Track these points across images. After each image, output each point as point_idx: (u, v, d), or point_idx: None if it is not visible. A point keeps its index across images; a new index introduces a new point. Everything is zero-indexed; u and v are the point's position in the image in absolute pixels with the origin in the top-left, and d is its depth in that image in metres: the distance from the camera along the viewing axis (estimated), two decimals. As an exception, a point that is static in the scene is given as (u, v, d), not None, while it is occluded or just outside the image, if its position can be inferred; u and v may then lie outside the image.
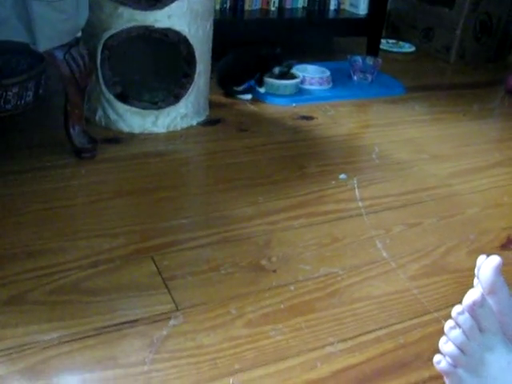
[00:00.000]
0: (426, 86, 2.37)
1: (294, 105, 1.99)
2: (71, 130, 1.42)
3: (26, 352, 0.88)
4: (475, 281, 0.75)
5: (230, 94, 1.98)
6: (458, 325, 0.71)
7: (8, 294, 0.99)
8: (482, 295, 0.70)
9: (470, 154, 1.73)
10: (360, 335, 0.96)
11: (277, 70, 2.00)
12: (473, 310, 0.70)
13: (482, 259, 0.73)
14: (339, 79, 2.22)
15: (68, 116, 1.41)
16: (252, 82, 2.00)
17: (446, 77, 2.59)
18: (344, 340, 0.95)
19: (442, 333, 0.78)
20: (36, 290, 1.00)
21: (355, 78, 2.27)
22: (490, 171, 1.63)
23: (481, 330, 0.71)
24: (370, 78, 2.25)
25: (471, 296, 0.69)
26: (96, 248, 1.12)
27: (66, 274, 1.04)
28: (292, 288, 1.05)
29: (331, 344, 0.94)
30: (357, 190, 1.43)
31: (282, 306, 1.01)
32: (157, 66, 1.78)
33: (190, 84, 1.66)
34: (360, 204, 1.36)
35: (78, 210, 1.26)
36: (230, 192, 1.37)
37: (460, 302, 0.73)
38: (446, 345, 0.72)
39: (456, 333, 0.71)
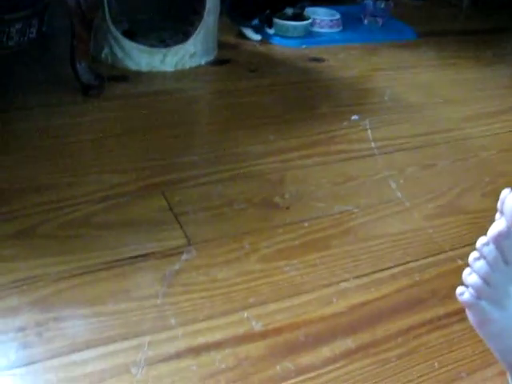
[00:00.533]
0: (437, 31, 2.31)
1: (303, 47, 1.94)
2: (77, 66, 1.39)
3: (37, 284, 0.86)
4: (497, 215, 0.73)
5: (238, 25, 1.93)
6: (482, 256, 0.69)
7: (17, 228, 0.97)
8: (508, 227, 0.67)
9: (483, 99, 1.69)
10: (375, 272, 0.95)
11: (290, 11, 1.95)
12: (498, 241, 0.67)
13: (505, 192, 0.71)
14: (349, 23, 2.16)
15: (74, 51, 1.38)
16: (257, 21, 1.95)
17: (459, 22, 2.53)
18: (359, 276, 0.93)
19: (457, 271, 0.76)
20: (45, 224, 0.99)
21: (366, 21, 2.21)
22: (504, 116, 1.60)
23: (506, 261, 0.69)
24: (380, 21, 2.20)
25: (497, 227, 0.67)
26: (106, 183, 1.09)
27: (76, 209, 1.02)
28: (306, 225, 1.04)
29: (346, 280, 0.92)
30: (369, 131, 1.40)
31: (296, 242, 0.99)
32: (164, 4, 1.73)
33: (199, 21, 1.61)
34: (373, 145, 1.34)
35: (86, 146, 1.23)
36: (240, 130, 1.34)
37: (481, 240, 0.71)
38: (470, 276, 0.70)
39: (480, 263, 0.69)
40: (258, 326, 0.82)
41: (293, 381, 0.76)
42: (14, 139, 1.22)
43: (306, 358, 0.79)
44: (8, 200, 1.04)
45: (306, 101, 1.54)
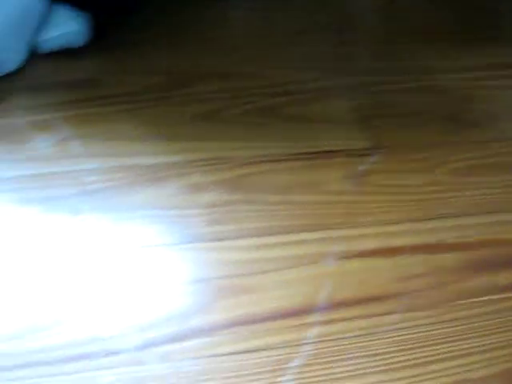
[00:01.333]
0: None
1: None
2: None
3: (224, 165, 0.86)
4: None
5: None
6: None
7: (201, 110, 0.97)
8: None
9: None
10: None
11: None
12: None
13: None
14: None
15: None
16: None
17: None
18: None
19: None
20: (230, 109, 0.97)
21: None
22: None
23: None
24: None
25: None
26: (289, 78, 1.06)
27: (260, 98, 1.00)
28: (498, 145, 0.97)
29: (548, 207, 0.86)
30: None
31: (488, 161, 0.93)
32: None
33: None
34: None
35: (261, 42, 1.19)
36: (421, 44, 1.26)
37: None
38: None
39: None
40: (450, 238, 0.79)
41: (490, 297, 0.72)
42: (183, 30, 1.19)
43: (503, 277, 0.74)
44: (190, 83, 1.03)
45: (487, 23, 1.43)
